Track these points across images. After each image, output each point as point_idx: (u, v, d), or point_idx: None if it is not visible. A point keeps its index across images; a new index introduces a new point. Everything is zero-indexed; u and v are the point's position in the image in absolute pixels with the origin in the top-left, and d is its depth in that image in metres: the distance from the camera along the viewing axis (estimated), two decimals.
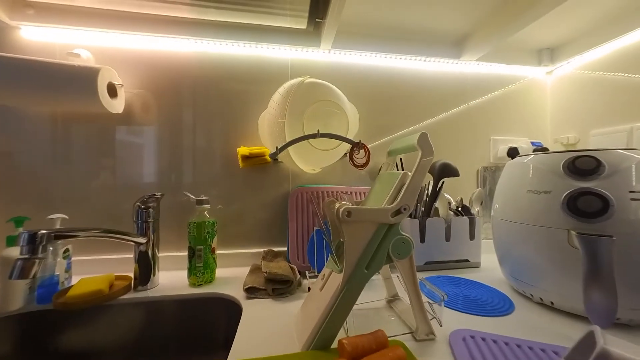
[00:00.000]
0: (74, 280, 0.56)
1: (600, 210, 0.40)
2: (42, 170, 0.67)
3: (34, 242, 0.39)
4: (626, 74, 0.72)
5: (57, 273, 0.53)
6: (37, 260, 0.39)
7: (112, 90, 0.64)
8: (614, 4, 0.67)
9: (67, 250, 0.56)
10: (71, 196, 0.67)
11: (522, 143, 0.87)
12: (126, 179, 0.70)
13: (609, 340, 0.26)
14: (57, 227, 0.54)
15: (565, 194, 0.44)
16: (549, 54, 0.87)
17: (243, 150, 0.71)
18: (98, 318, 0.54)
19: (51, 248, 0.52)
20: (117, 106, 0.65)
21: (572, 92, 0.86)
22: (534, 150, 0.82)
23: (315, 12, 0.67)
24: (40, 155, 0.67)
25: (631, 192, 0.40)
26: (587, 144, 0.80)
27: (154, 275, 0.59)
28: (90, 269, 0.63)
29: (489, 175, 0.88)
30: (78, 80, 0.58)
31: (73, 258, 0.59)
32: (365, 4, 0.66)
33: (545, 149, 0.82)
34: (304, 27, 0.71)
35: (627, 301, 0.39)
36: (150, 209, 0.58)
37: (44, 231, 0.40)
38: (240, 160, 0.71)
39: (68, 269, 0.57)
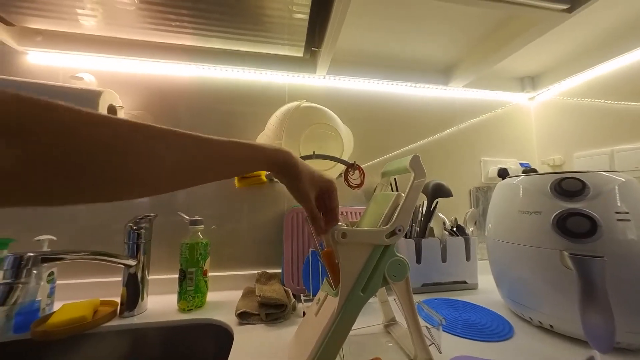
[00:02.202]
0: (57, 306, 0.53)
1: (589, 230, 0.41)
2: None
3: (19, 266, 0.38)
4: (602, 100, 0.77)
5: (38, 298, 0.50)
6: (20, 285, 0.37)
7: (112, 112, 0.65)
8: (585, 39, 0.73)
9: (51, 273, 0.54)
10: (60, 216, 0.66)
11: (511, 164, 0.90)
12: None
13: None
14: (45, 249, 0.53)
15: (554, 214, 0.45)
16: (530, 81, 0.93)
17: None
18: (80, 347, 0.50)
19: (35, 272, 0.50)
20: None
21: (554, 117, 0.91)
22: (523, 172, 0.84)
23: (311, 42, 0.71)
24: None
25: (617, 212, 0.42)
26: (572, 166, 0.83)
27: (142, 299, 0.57)
28: (75, 293, 0.60)
29: (482, 195, 0.90)
30: (80, 102, 0.60)
31: (57, 282, 0.56)
32: (358, 35, 0.71)
33: (533, 170, 0.85)
34: (301, 55, 0.76)
35: (625, 324, 0.38)
36: (142, 230, 0.57)
37: (31, 254, 0.39)
38: (236, 180, 0.72)
39: (51, 294, 0.54)
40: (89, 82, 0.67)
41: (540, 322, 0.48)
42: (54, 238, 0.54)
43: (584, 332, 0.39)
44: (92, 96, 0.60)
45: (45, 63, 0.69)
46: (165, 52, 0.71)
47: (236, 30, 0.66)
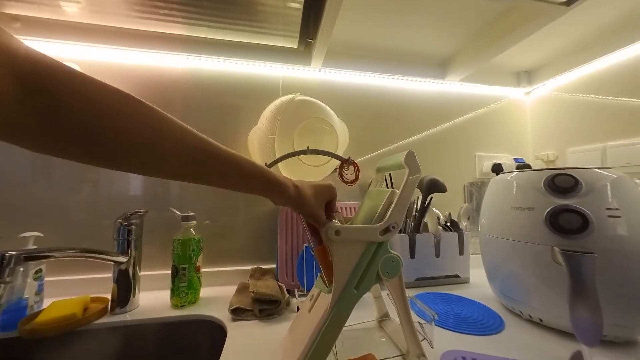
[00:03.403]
0: (46, 303, 0.52)
1: (580, 227, 0.42)
2: (19, 184, 0.63)
3: (0, 265, 0.37)
4: (596, 96, 0.77)
5: (26, 296, 0.49)
6: (1, 285, 0.36)
7: None
8: (582, 33, 0.73)
9: (39, 270, 0.52)
10: (49, 212, 0.64)
11: (506, 159, 0.91)
12: (110, 194, 0.68)
13: None
14: (30, 246, 0.51)
15: (547, 210, 0.45)
16: (526, 76, 0.93)
17: None
18: (70, 345, 0.49)
19: (21, 269, 0.48)
20: None
21: (549, 112, 0.91)
22: (517, 167, 0.85)
23: (306, 33, 0.69)
24: (17, 168, 0.64)
25: (608, 209, 0.42)
26: (565, 161, 0.84)
27: (134, 296, 0.56)
28: (64, 290, 0.59)
29: (475, 191, 0.90)
30: None
31: (46, 278, 0.55)
32: (354, 27, 0.69)
33: (527, 166, 0.86)
34: (295, 46, 0.74)
35: (612, 318, 0.39)
36: (132, 226, 0.56)
37: (13, 253, 0.38)
38: None
39: (39, 292, 0.53)
40: None
41: (530, 315, 0.49)
42: (41, 235, 0.53)
43: (571, 326, 0.39)
44: None
45: None
46: (153, 42, 0.68)
47: (227, 20, 0.63)
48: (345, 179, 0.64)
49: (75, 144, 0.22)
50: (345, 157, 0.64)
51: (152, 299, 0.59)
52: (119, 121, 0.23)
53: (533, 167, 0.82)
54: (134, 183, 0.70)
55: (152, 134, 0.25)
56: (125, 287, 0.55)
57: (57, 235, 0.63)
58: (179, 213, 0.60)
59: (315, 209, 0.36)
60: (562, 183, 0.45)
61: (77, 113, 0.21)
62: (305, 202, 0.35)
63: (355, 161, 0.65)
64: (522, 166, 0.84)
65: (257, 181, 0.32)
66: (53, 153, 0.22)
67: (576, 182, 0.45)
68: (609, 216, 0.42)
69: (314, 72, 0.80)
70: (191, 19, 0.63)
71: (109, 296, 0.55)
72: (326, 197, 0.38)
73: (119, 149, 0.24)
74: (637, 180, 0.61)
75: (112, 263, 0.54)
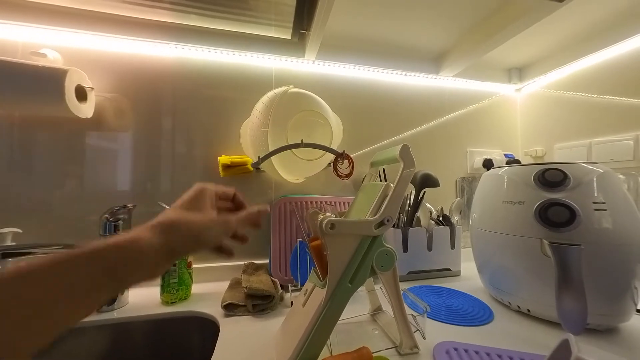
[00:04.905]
0: None
1: (568, 220, 0.43)
2: None
3: None
4: (583, 94, 0.79)
5: None
6: None
7: (81, 94, 0.60)
8: (570, 32, 0.74)
9: None
10: (29, 207, 0.61)
11: (496, 155, 0.92)
12: (96, 188, 0.65)
13: (583, 350, 0.27)
14: (8, 242, 0.49)
15: (536, 204, 0.46)
16: (517, 73, 0.94)
17: (224, 159, 0.69)
18: (54, 345, 0.48)
19: None
20: (85, 110, 0.61)
21: (538, 109, 0.93)
22: (507, 162, 0.86)
23: (299, 23, 0.68)
24: None
25: (594, 202, 0.43)
26: (553, 157, 0.86)
27: (122, 293, 0.54)
28: None
29: (467, 186, 0.91)
30: (42, 82, 0.54)
31: None
32: (349, 19, 0.68)
33: (517, 161, 0.88)
34: (289, 37, 0.72)
35: (595, 307, 0.40)
36: (119, 222, 0.54)
37: None
38: (221, 169, 0.69)
39: None
40: (53, 59, 0.61)
41: (518, 306, 0.50)
42: (19, 231, 0.50)
43: (558, 315, 0.41)
44: (57, 75, 0.54)
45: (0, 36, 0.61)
46: (139, 29, 0.65)
47: (218, 7, 0.61)
48: (339, 173, 0.64)
49: None
50: (340, 151, 0.64)
51: (142, 296, 0.58)
52: None
53: (522, 163, 0.84)
54: (122, 177, 0.67)
55: None
56: None
57: (38, 231, 0.60)
58: (168, 208, 0.58)
59: (199, 222, 0.27)
60: (551, 177, 0.46)
61: None
62: (182, 224, 0.25)
63: (350, 155, 0.64)
64: (512, 161, 0.86)
65: (101, 270, 0.21)
66: None
67: (565, 176, 0.46)
68: (595, 209, 0.43)
69: (308, 65, 0.78)
70: (180, 5, 0.60)
71: None
72: (195, 199, 0.30)
73: None
74: (621, 176, 0.63)
75: None
